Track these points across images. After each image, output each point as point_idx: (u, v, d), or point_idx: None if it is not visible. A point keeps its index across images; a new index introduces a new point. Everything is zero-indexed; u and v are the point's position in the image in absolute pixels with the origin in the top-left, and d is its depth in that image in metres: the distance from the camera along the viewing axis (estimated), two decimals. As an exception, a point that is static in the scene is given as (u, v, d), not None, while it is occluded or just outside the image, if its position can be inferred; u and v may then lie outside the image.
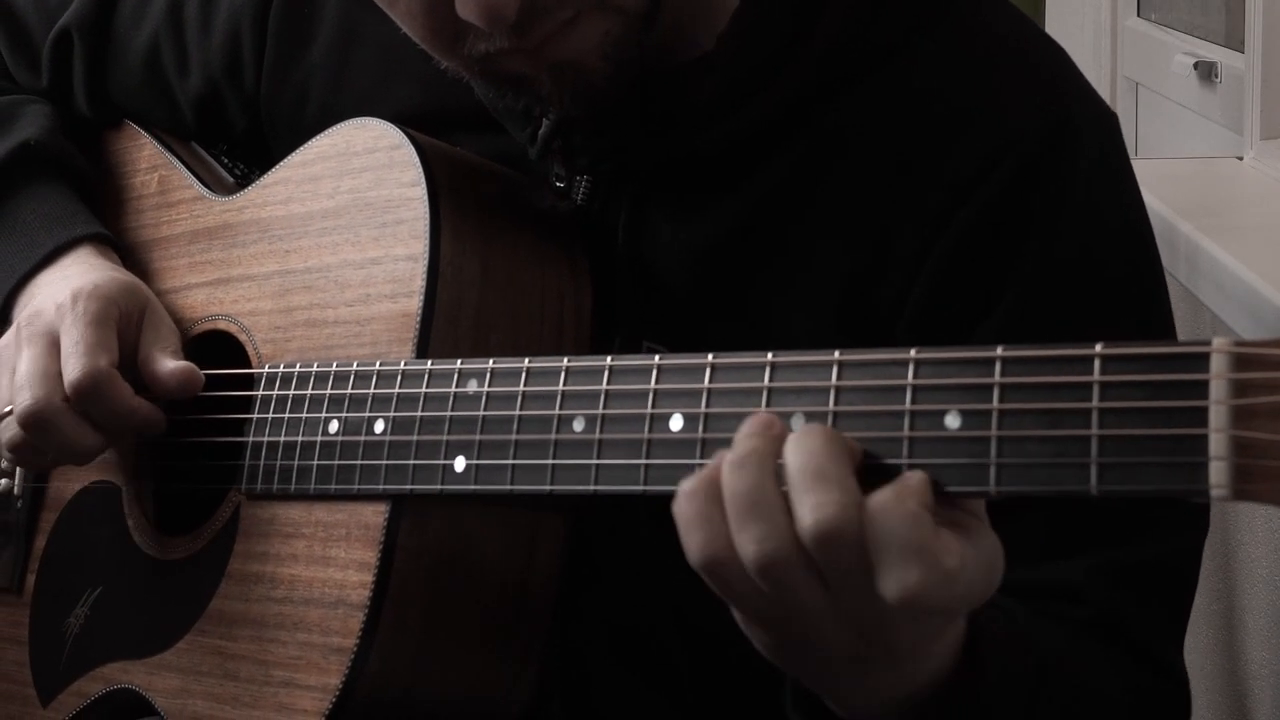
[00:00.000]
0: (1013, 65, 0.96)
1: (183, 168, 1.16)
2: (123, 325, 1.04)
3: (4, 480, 1.17)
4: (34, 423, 1.00)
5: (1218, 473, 0.61)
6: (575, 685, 1.01)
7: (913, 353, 0.71)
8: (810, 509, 0.68)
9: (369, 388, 0.94)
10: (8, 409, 1.02)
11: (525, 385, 0.85)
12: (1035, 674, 0.82)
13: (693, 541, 0.72)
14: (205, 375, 1.05)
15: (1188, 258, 1.35)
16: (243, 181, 1.14)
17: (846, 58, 0.96)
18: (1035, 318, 0.92)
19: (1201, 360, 0.63)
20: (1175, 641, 0.95)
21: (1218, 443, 0.61)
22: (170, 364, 1.03)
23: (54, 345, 1.02)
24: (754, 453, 0.71)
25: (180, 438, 1.06)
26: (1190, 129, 1.91)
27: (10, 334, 1.06)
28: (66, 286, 1.05)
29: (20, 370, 1.02)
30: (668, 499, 0.96)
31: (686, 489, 0.72)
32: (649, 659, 1.01)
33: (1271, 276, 1.19)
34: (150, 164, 1.18)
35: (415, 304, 0.94)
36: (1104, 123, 0.97)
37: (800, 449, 0.70)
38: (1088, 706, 0.87)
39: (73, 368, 1.00)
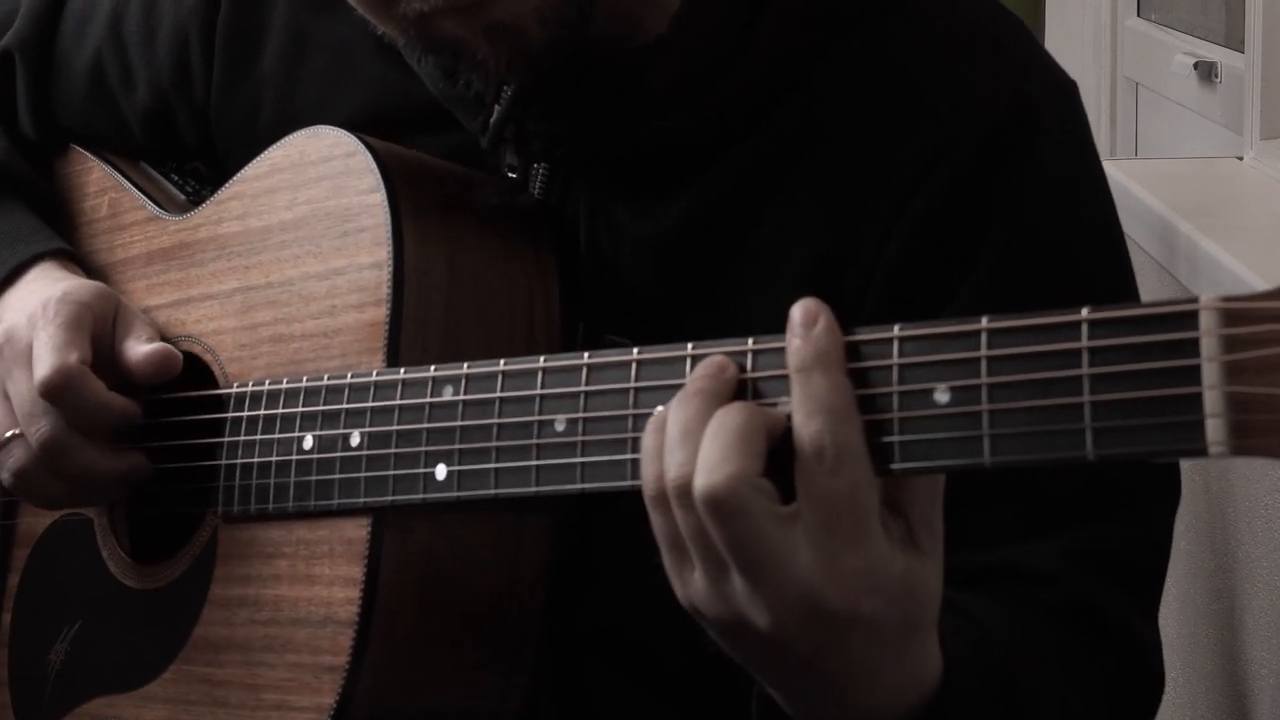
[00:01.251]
0: (973, 41, 0.96)
1: (133, 189, 1.14)
2: (98, 329, 1.02)
3: (-28, 520, 1.15)
4: (53, 448, 0.99)
5: (1215, 430, 0.61)
6: (566, 687, 1.00)
7: (896, 330, 0.70)
8: (698, 473, 0.70)
9: (341, 401, 0.92)
10: (9, 434, 1.00)
11: (502, 390, 0.84)
12: (1004, 693, 0.83)
13: (672, 463, 0.73)
14: (172, 399, 1.03)
15: (1188, 258, 1.35)
16: (195, 199, 1.13)
17: (803, 36, 0.95)
18: (1003, 295, 0.91)
19: (1190, 318, 0.62)
20: (1148, 617, 0.95)
21: (1213, 400, 0.61)
22: (144, 348, 1.01)
23: None
24: (700, 392, 0.74)
25: (151, 464, 1.04)
26: (1190, 129, 1.91)
27: None
28: (36, 299, 1.03)
29: (21, 396, 1.00)
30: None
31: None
32: (639, 659, 1.01)
33: (1271, 276, 1.19)
34: (99, 187, 1.17)
35: (383, 312, 0.93)
36: (1064, 95, 0.96)
37: (724, 418, 0.72)
38: (1062, 707, 0.87)
39: (42, 366, 0.98)
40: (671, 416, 0.73)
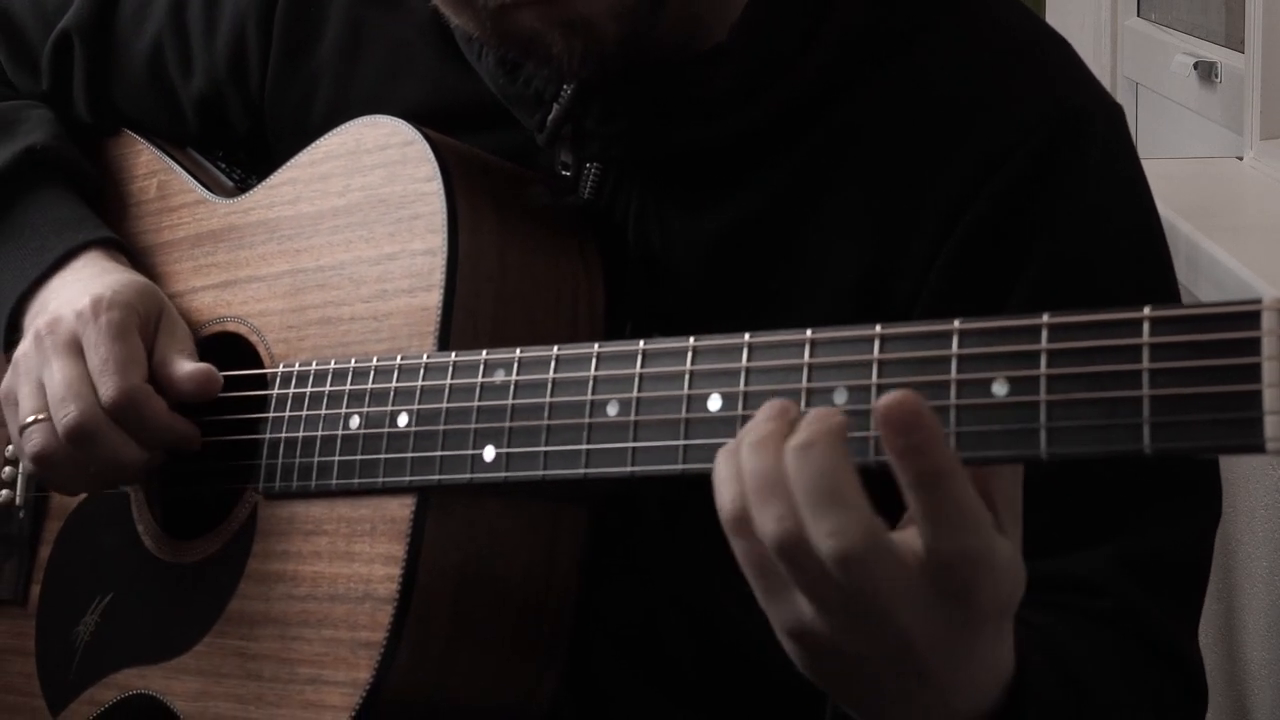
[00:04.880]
0: (1024, 57, 0.98)
1: (182, 172, 1.15)
2: (142, 329, 1.03)
3: (5, 491, 1.16)
4: (80, 435, 1.00)
5: (1274, 426, 0.63)
6: (582, 685, 1.01)
7: (956, 323, 0.72)
8: (826, 535, 0.69)
9: (390, 381, 0.94)
10: (32, 418, 1.01)
11: (555, 372, 0.86)
12: (1074, 698, 0.83)
13: (766, 518, 0.71)
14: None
15: (1188, 258, 1.36)
16: (242, 186, 1.14)
17: (860, 49, 0.97)
18: (1052, 303, 0.92)
19: (1252, 318, 0.64)
20: (1191, 629, 0.95)
21: (1272, 397, 0.63)
22: (188, 366, 1.02)
23: (81, 355, 1.01)
24: (770, 436, 0.71)
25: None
26: (1190, 129, 1.92)
27: (28, 343, 1.04)
28: (84, 292, 1.04)
29: (55, 381, 1.01)
30: (679, 491, 0.97)
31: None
32: (654, 656, 1.01)
33: (1271, 276, 1.20)
34: (148, 169, 1.18)
35: (435, 298, 0.94)
36: (1113, 113, 0.98)
37: (806, 467, 0.70)
38: (1121, 710, 0.88)
39: (107, 387, 0.99)
40: (749, 465, 0.71)
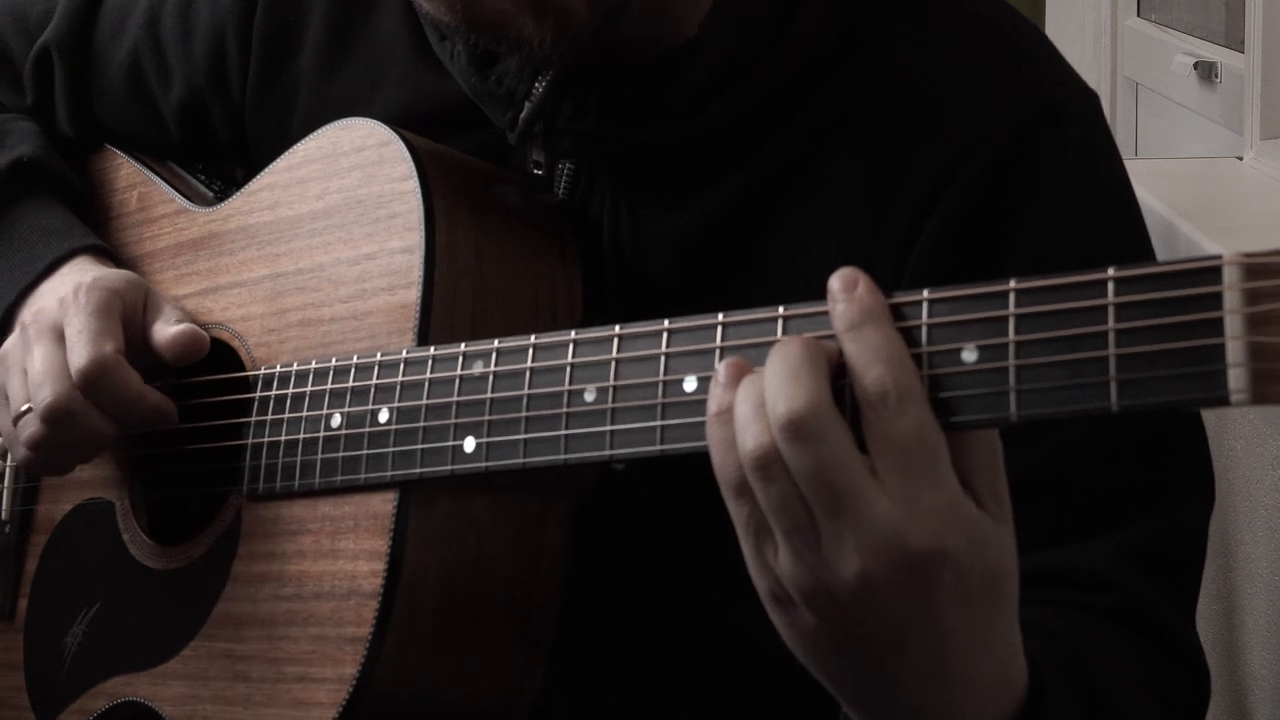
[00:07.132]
0: (998, 48, 0.98)
1: (162, 183, 1.16)
2: (128, 315, 1.04)
3: (-10, 508, 1.17)
4: (58, 417, 1.00)
5: (1236, 379, 0.63)
6: (578, 679, 1.01)
7: (925, 294, 0.73)
8: (782, 399, 0.71)
9: (371, 379, 0.94)
10: (25, 407, 1.02)
11: (532, 362, 0.86)
12: (1091, 704, 0.83)
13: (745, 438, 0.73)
14: (199, 382, 1.05)
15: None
16: (221, 196, 1.15)
17: (830, 43, 0.97)
18: None
19: (1214, 273, 0.65)
20: (1191, 613, 0.96)
21: (1235, 350, 0.63)
22: (171, 329, 1.03)
23: (62, 339, 1.02)
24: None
25: (177, 446, 1.05)
26: (1190, 129, 1.93)
27: (15, 335, 1.05)
28: (68, 284, 1.05)
29: (35, 368, 1.01)
30: (669, 489, 0.97)
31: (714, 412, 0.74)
32: (650, 653, 1.02)
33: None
34: (128, 182, 1.19)
35: (414, 295, 0.95)
36: (1088, 101, 0.99)
37: (776, 355, 0.73)
38: (1126, 710, 0.88)
39: (78, 355, 1.00)
40: (740, 397, 0.73)
